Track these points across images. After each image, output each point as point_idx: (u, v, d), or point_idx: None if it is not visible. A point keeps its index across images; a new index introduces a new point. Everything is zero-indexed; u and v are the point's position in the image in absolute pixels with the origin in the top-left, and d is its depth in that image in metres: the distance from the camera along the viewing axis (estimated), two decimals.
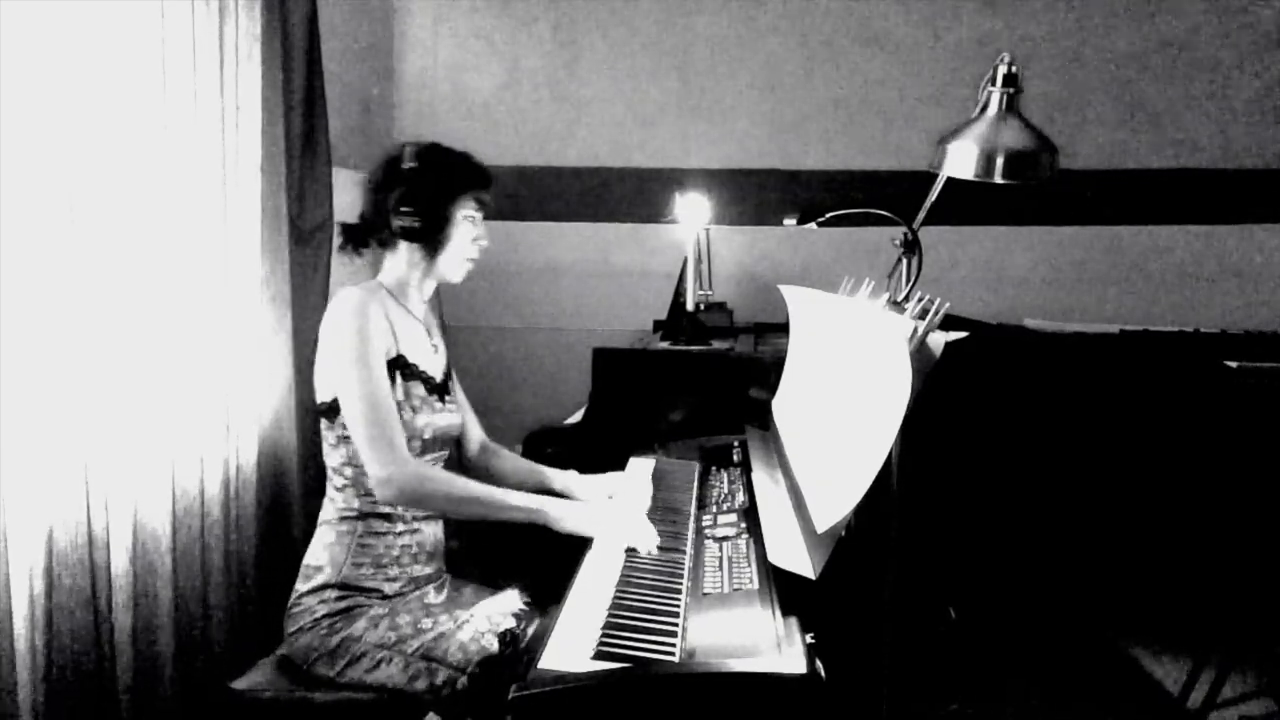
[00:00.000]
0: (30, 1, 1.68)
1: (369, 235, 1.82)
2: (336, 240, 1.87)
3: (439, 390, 1.82)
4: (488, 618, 1.73)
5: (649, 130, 3.60)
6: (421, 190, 1.74)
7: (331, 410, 1.70)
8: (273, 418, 2.46)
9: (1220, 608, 2.50)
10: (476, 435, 2.00)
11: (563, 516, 1.69)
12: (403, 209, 1.73)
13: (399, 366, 1.72)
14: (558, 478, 1.96)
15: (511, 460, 2.01)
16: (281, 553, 2.49)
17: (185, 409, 2.14)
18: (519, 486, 1.87)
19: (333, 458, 1.74)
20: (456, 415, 1.89)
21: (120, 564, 1.94)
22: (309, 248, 2.56)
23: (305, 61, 2.52)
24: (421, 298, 1.86)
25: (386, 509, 1.73)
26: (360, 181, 1.83)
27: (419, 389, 1.75)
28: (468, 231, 1.80)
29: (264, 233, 2.38)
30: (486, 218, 1.85)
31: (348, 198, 3.07)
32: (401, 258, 1.81)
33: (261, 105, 2.35)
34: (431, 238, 1.77)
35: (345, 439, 1.70)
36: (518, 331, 3.61)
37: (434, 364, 1.84)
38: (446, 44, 3.60)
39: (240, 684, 1.66)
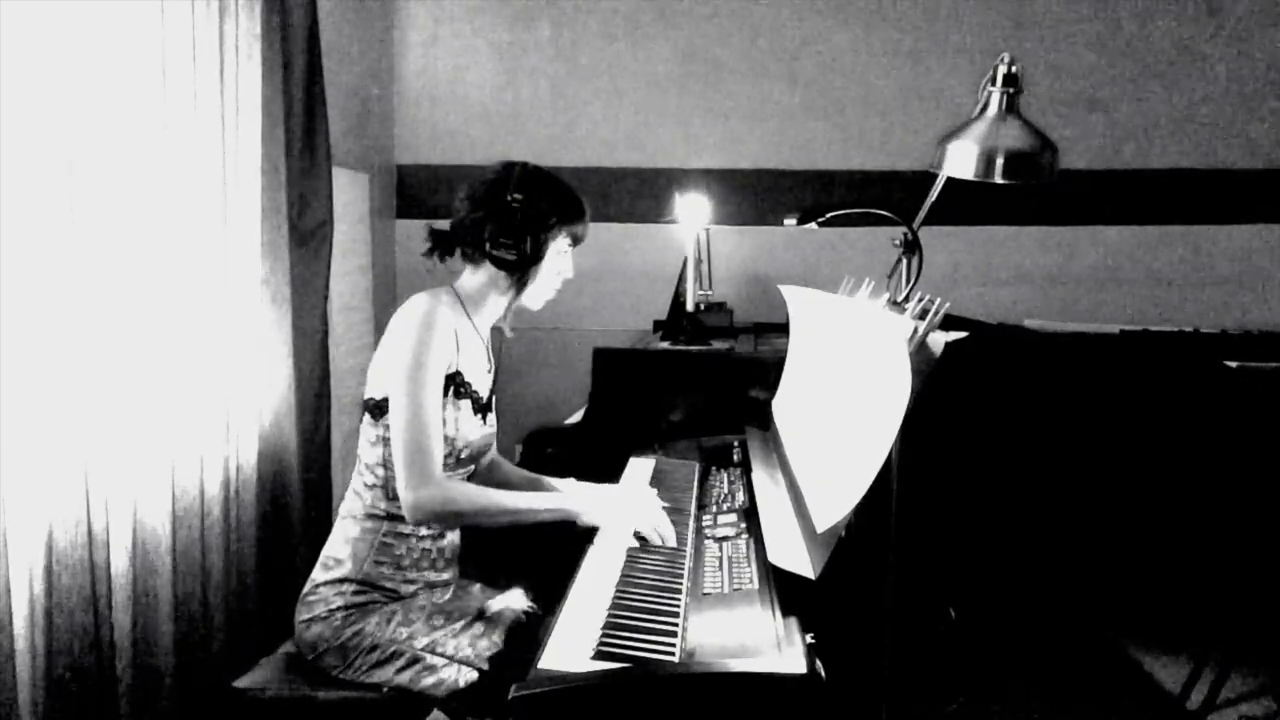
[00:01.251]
0: (30, 1, 1.68)
1: (458, 246, 1.80)
2: (424, 245, 1.84)
3: (484, 409, 1.82)
4: (492, 617, 1.73)
5: (649, 130, 3.60)
6: (522, 225, 1.72)
7: (379, 408, 1.70)
8: (273, 418, 2.46)
9: (1220, 608, 2.50)
10: (492, 450, 2.00)
11: (585, 511, 1.72)
12: (501, 239, 1.72)
13: (455, 383, 1.71)
14: (558, 487, 1.95)
15: (514, 472, 2.01)
16: (281, 553, 2.49)
17: (185, 409, 2.14)
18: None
19: (369, 455, 1.73)
20: (492, 432, 1.89)
21: (120, 564, 1.94)
22: (309, 248, 2.56)
23: (305, 61, 2.52)
24: (493, 317, 1.85)
25: None
26: (462, 194, 1.77)
27: (467, 408, 1.74)
28: (556, 265, 1.80)
29: (264, 233, 2.38)
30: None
31: (347, 198, 3.09)
32: (484, 275, 1.78)
33: (261, 105, 2.35)
34: (521, 270, 1.76)
35: (386, 440, 1.69)
36: (518, 331, 3.60)
37: (485, 383, 1.83)
38: (446, 44, 3.60)
39: (243, 682, 1.66)
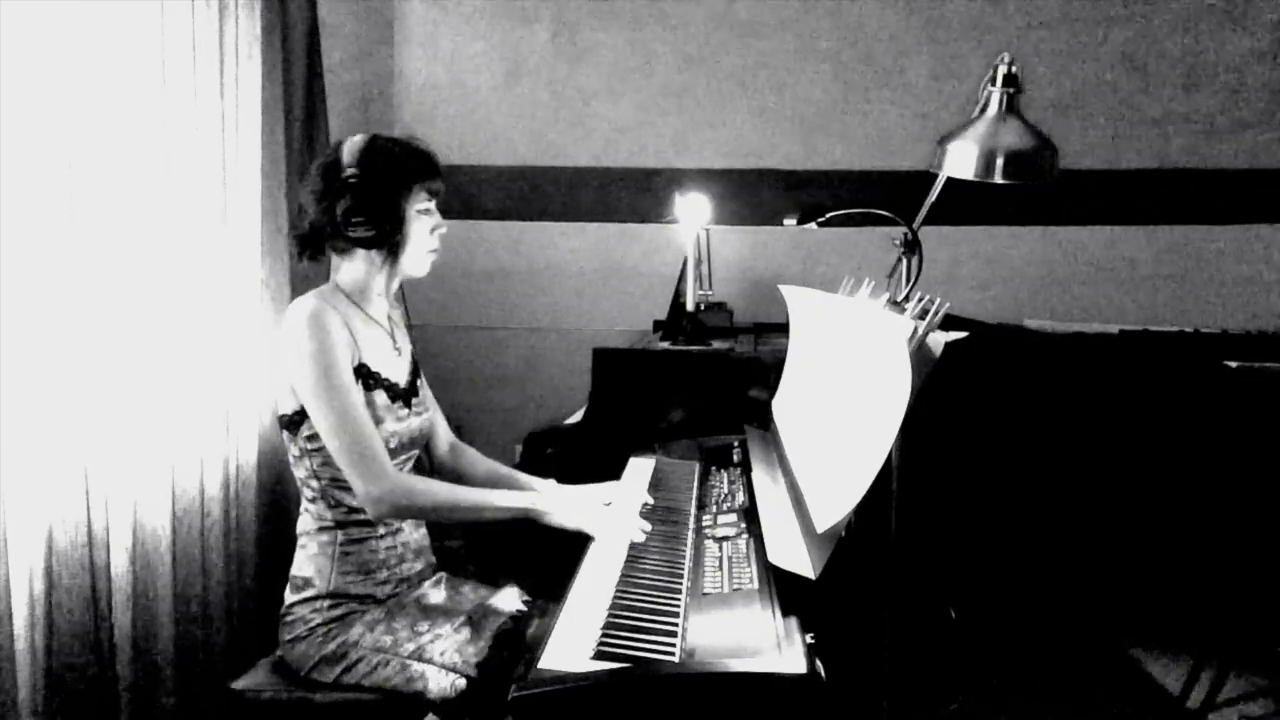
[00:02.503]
0: (30, 1, 1.68)
1: (323, 243, 1.74)
2: (293, 249, 1.79)
3: (404, 395, 1.77)
4: (480, 621, 1.72)
5: (649, 130, 3.60)
6: (368, 197, 1.65)
7: (293, 423, 1.66)
8: (273, 418, 2.46)
9: (1220, 608, 2.50)
10: (445, 435, 1.95)
11: (550, 510, 1.69)
12: (353, 220, 1.65)
13: (362, 376, 1.67)
14: (535, 486, 1.89)
15: (483, 462, 1.95)
16: (281, 553, 2.48)
17: (185, 409, 2.14)
18: (491, 487, 1.84)
19: (299, 469, 1.70)
20: (424, 418, 1.84)
21: (120, 564, 1.94)
22: None
23: (305, 61, 2.52)
24: (384, 300, 1.79)
25: (362, 515, 1.68)
26: (305, 189, 1.73)
27: (382, 398, 1.70)
28: (424, 224, 1.73)
29: (264, 233, 2.38)
30: (446, 212, 1.77)
31: None
32: (359, 262, 1.73)
33: (261, 105, 2.35)
34: (388, 241, 1.70)
35: (310, 452, 1.66)
36: (518, 332, 3.61)
37: (398, 368, 1.78)
38: (446, 44, 3.60)
39: (240, 684, 1.67)
